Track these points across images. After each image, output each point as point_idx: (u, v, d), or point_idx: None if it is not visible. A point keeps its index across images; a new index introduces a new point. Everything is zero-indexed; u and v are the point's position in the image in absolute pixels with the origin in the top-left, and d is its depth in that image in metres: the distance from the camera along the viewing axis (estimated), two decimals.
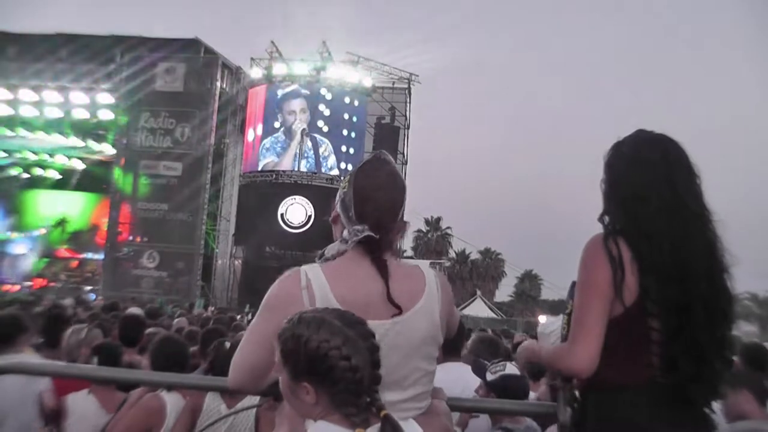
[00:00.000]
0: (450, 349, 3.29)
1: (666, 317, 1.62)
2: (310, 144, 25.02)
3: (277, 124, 25.27)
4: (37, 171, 29.18)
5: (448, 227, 44.93)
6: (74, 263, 28.80)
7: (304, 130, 24.95)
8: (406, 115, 27.61)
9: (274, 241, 24.91)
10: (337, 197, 1.63)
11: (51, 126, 25.81)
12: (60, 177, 29.35)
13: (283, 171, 25.35)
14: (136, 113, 24.90)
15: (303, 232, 23.71)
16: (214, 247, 25.97)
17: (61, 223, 29.28)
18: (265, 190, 25.20)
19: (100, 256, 26.37)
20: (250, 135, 26.14)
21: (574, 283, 1.75)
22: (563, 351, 1.73)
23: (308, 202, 24.18)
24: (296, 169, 25.17)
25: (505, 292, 48.11)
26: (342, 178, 22.43)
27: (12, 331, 3.31)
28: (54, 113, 25.23)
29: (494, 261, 46.42)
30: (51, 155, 27.99)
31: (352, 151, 25.32)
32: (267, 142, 25.35)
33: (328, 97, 25.25)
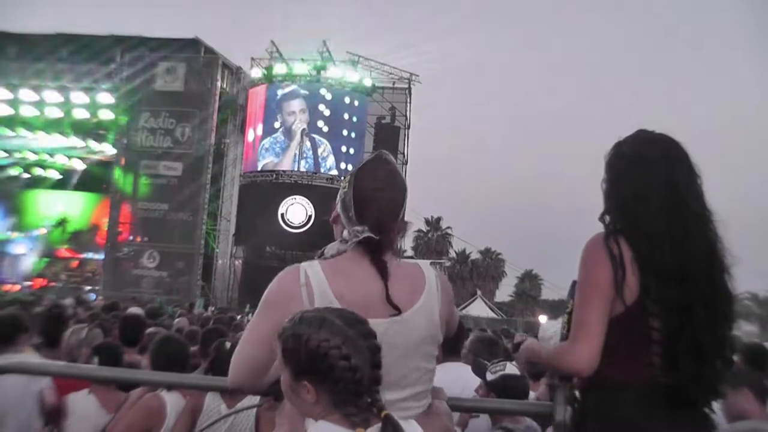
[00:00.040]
0: (450, 349, 3.29)
1: (667, 317, 1.62)
2: (309, 144, 25.02)
3: (276, 125, 25.26)
4: (38, 171, 29.13)
5: (449, 227, 44.99)
6: (74, 263, 28.78)
7: (304, 130, 24.95)
8: (406, 115, 27.59)
9: (274, 241, 24.93)
10: (338, 197, 1.63)
11: (51, 126, 25.80)
12: (60, 177, 29.30)
13: (284, 171, 25.34)
14: (136, 113, 24.90)
15: (303, 232, 23.70)
16: (214, 247, 25.97)
17: (62, 223, 29.25)
18: (265, 190, 25.19)
19: (100, 256, 26.36)
20: (250, 135, 26.14)
21: (574, 283, 1.75)
22: (564, 350, 1.73)
23: (308, 202, 24.18)
24: (296, 169, 25.19)
25: (505, 292, 48.18)
26: (342, 178, 22.49)
27: (12, 330, 3.31)
28: (54, 113, 25.21)
29: (494, 261, 46.42)
30: (51, 155, 27.95)
31: (352, 151, 25.31)
32: (266, 142, 25.34)
33: (328, 97, 25.23)
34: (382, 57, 27.64)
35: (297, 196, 24.47)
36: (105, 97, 25.18)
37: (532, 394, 3.21)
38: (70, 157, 28.15)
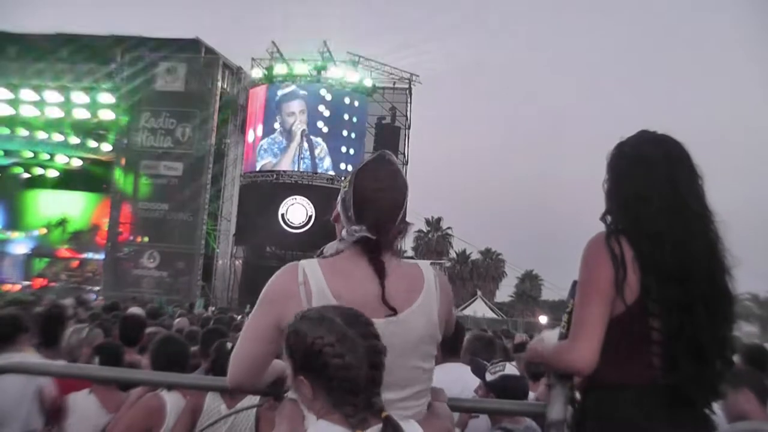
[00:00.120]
0: (449, 350, 3.30)
1: (667, 317, 1.62)
2: (306, 145, 25.05)
3: (276, 125, 25.28)
4: (38, 171, 29.16)
5: (449, 227, 45.03)
6: (75, 263, 28.81)
7: (303, 131, 24.96)
8: (406, 116, 27.61)
9: (274, 241, 24.93)
10: (339, 196, 1.63)
11: (51, 126, 25.81)
12: (60, 177, 29.34)
13: (284, 171, 25.36)
14: (136, 113, 24.91)
15: (303, 232, 23.70)
16: (214, 247, 25.98)
17: (62, 222, 29.28)
18: (265, 191, 25.20)
19: (100, 256, 26.37)
20: (250, 136, 26.15)
21: (575, 283, 1.75)
22: (563, 348, 1.73)
23: (309, 202, 24.18)
24: (296, 169, 25.21)
25: (505, 292, 48.22)
26: (343, 178, 22.43)
27: (12, 330, 3.32)
28: (54, 113, 25.23)
29: (495, 261, 46.45)
30: (51, 155, 27.96)
31: (352, 151, 25.31)
32: (264, 142, 25.36)
33: (328, 97, 25.24)
34: (382, 57, 27.74)
35: (297, 197, 24.48)
36: (105, 97, 25.19)
37: (531, 395, 3.22)
38: (70, 157, 28.15)
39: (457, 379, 2.95)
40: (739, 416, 2.47)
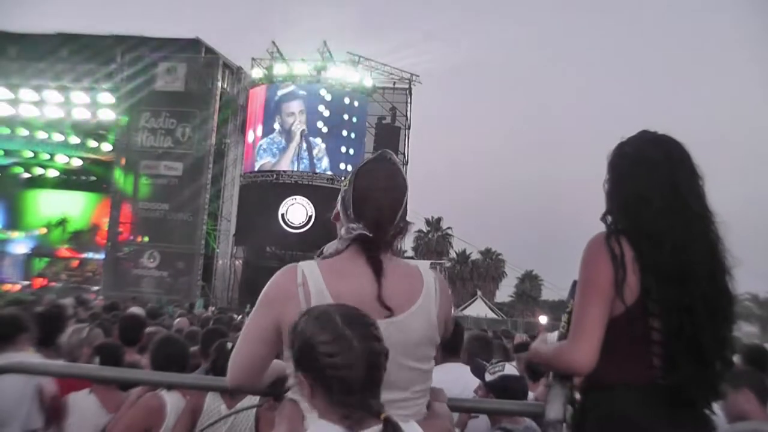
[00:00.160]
0: (449, 350, 3.31)
1: (667, 317, 1.62)
2: (305, 145, 25.06)
3: (275, 126, 25.29)
4: (38, 171, 29.17)
5: (449, 227, 45.02)
6: (75, 263, 28.83)
7: (303, 131, 24.97)
8: (406, 116, 27.61)
9: (274, 242, 24.93)
10: (339, 195, 1.63)
11: (52, 126, 25.82)
12: (60, 177, 29.35)
13: (284, 171, 25.38)
14: (136, 113, 24.92)
15: (303, 232, 23.71)
16: (214, 247, 25.98)
17: (62, 222, 29.30)
18: (265, 191, 25.22)
19: (100, 256, 26.39)
20: (250, 136, 26.17)
21: (575, 283, 1.75)
22: (563, 348, 1.73)
23: (309, 202, 24.19)
24: (295, 169, 25.22)
25: (505, 292, 48.22)
26: (343, 178, 22.43)
27: (12, 330, 3.31)
28: (55, 113, 25.25)
29: (495, 261, 46.44)
30: (51, 155, 27.97)
31: (352, 151, 25.31)
32: (263, 142, 25.38)
33: (328, 98, 25.24)
34: (382, 57, 27.70)
35: (297, 197, 24.49)
36: (105, 97, 25.23)
37: (530, 395, 3.22)
38: (70, 157, 28.16)
39: (457, 379, 2.95)
40: (739, 416, 2.47)
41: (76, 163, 28.37)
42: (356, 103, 25.94)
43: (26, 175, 29.47)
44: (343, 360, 1.24)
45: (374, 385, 1.28)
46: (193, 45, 26.08)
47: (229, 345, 3.02)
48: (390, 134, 26.97)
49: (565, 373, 1.76)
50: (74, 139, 26.46)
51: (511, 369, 2.80)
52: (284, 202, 24.43)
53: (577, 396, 1.78)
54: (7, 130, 26.11)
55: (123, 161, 25.18)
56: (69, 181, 29.28)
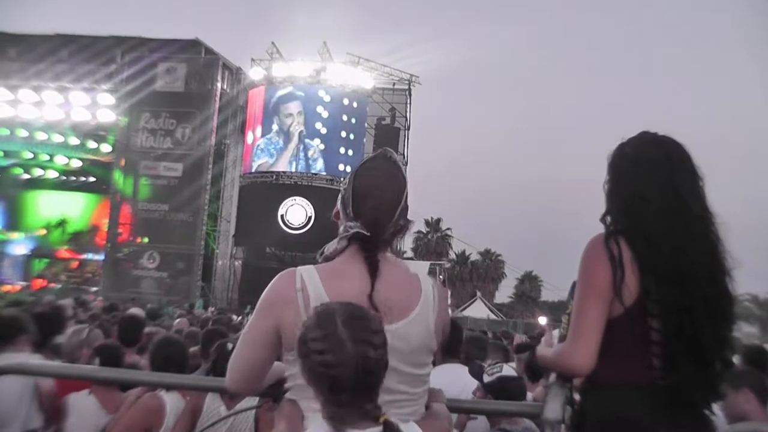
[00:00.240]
0: (447, 351, 3.32)
1: (667, 317, 1.62)
2: (302, 146, 25.08)
3: (274, 126, 25.30)
4: (38, 172, 29.14)
5: (448, 228, 44.95)
6: (74, 264, 28.81)
7: (301, 132, 24.98)
8: (406, 116, 27.63)
9: (274, 242, 24.95)
10: (339, 194, 1.63)
11: (51, 127, 25.81)
12: (60, 177, 29.34)
13: (284, 172, 25.40)
14: (136, 114, 24.93)
15: (303, 233, 23.72)
16: (214, 248, 25.99)
17: (62, 223, 29.28)
18: (265, 191, 25.23)
19: (100, 257, 26.38)
20: (249, 137, 26.18)
21: (575, 284, 1.75)
22: (562, 350, 1.73)
23: (308, 203, 24.20)
24: (293, 170, 25.23)
25: (505, 293, 48.17)
26: (342, 179, 22.48)
27: (11, 331, 3.31)
28: (54, 114, 25.24)
29: (494, 262, 46.39)
30: (51, 156, 27.96)
31: (351, 152, 25.32)
32: (261, 142, 25.41)
33: (327, 99, 25.25)
34: (381, 58, 27.73)
35: (297, 197, 24.50)
36: (105, 98, 25.23)
37: (529, 396, 3.22)
38: (70, 158, 28.13)
39: (456, 380, 2.96)
40: (739, 416, 2.47)
41: (76, 164, 28.33)
42: (355, 104, 25.94)
43: (26, 176, 29.42)
44: (333, 358, 1.23)
45: (367, 389, 1.26)
46: (193, 46, 26.11)
47: (230, 346, 3.02)
48: (389, 135, 26.96)
49: (565, 375, 1.76)
50: (74, 140, 26.44)
51: (509, 370, 2.80)
52: (284, 203, 24.44)
53: (577, 397, 1.78)
54: (6, 131, 26.10)
55: (123, 162, 25.18)
56: (68, 182, 29.24)
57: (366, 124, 26.72)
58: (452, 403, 1.77)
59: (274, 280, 1.54)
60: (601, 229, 1.76)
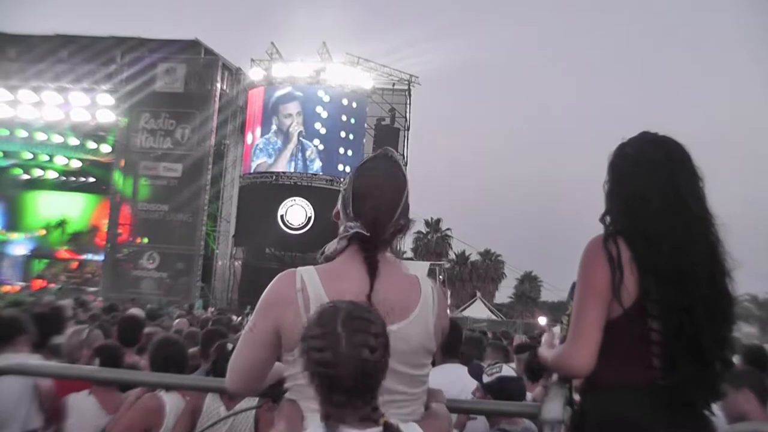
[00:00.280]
0: (447, 351, 3.32)
1: (666, 318, 1.62)
2: (300, 147, 25.08)
3: (273, 127, 25.30)
4: (37, 172, 29.12)
5: (448, 228, 44.93)
6: (74, 264, 28.80)
7: (300, 132, 24.98)
8: (406, 117, 27.63)
9: (274, 243, 24.95)
10: (340, 194, 1.63)
11: (51, 127, 25.80)
12: (60, 178, 29.32)
13: (283, 172, 25.40)
14: (136, 114, 24.92)
15: (303, 233, 23.72)
16: (214, 248, 25.98)
17: (61, 224, 29.27)
18: (265, 192, 25.22)
19: (100, 257, 26.37)
20: (249, 138, 26.17)
21: (574, 284, 1.75)
22: (561, 351, 1.74)
23: (308, 203, 24.19)
24: (292, 171, 25.23)
25: (504, 293, 48.13)
26: (342, 179, 22.51)
27: (11, 331, 3.32)
28: (54, 114, 25.23)
29: (494, 262, 46.37)
30: (51, 156, 27.94)
31: (350, 153, 25.31)
32: (260, 142, 25.41)
33: (326, 99, 25.24)
34: (381, 58, 27.74)
35: (297, 198, 24.50)
36: (105, 98, 25.21)
37: (528, 396, 3.22)
38: (69, 158, 28.12)
39: (455, 381, 2.96)
40: (739, 416, 2.47)
41: (76, 164, 28.31)
42: (355, 105, 25.94)
43: (25, 177, 29.41)
44: (330, 357, 1.23)
45: (365, 391, 1.26)
46: (193, 46, 26.10)
47: (229, 346, 3.02)
48: (389, 135, 26.95)
49: (565, 376, 1.76)
50: (73, 141, 26.42)
51: (508, 370, 2.80)
52: (284, 203, 24.44)
53: (577, 397, 1.78)
54: (6, 132, 26.07)
55: (122, 162, 25.17)
56: (68, 182, 29.23)
57: (365, 125, 26.72)
58: (452, 403, 1.77)
59: (274, 280, 1.54)
60: (601, 229, 1.76)
